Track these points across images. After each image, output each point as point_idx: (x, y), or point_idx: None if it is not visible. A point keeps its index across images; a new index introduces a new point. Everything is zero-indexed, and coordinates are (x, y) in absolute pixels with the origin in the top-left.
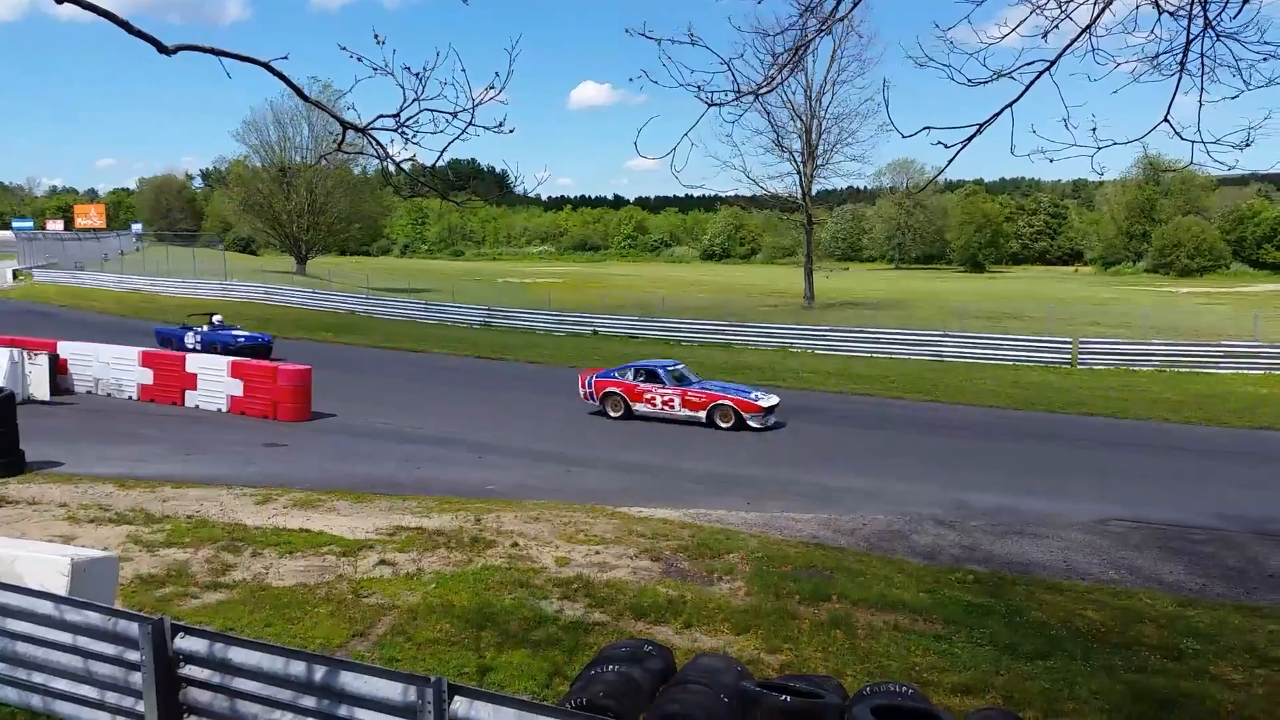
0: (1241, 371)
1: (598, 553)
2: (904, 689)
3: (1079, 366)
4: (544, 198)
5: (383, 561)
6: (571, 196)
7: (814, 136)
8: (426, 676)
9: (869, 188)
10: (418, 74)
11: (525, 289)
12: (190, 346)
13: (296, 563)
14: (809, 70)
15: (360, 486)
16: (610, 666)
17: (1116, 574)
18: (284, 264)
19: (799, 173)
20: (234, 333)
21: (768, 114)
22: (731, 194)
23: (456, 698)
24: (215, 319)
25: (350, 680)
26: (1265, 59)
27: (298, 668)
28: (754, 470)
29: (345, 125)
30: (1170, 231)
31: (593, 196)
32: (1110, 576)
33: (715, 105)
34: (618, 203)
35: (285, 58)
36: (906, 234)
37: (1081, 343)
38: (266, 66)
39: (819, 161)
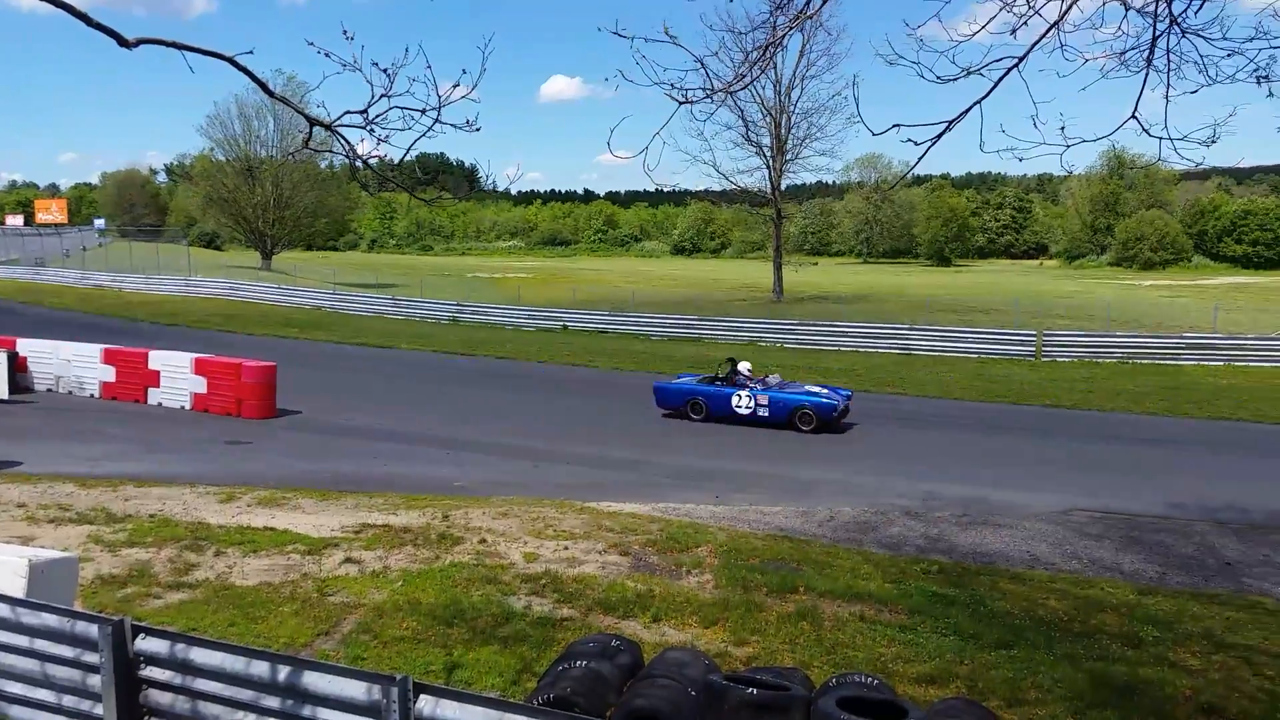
0: (1202, 363)
1: (566, 548)
2: (869, 680)
3: (1044, 359)
4: (514, 192)
5: (348, 559)
6: (541, 191)
7: (783, 131)
8: (391, 675)
9: (838, 183)
10: (386, 70)
11: (494, 284)
12: (746, 410)
13: (261, 561)
14: (779, 65)
15: (326, 484)
16: (578, 662)
17: (1078, 563)
18: (249, 259)
19: (768, 167)
20: (808, 391)
21: (739, 110)
22: (702, 189)
23: (422, 696)
24: (743, 368)
25: (314, 680)
26: (1228, 55)
27: (260, 668)
28: (724, 464)
29: (312, 121)
30: (1134, 225)
31: (563, 191)
32: (1072, 566)
33: (688, 103)
34: (588, 197)
35: (250, 52)
36: (874, 228)
37: (1046, 335)
38: (230, 61)
39: (788, 156)
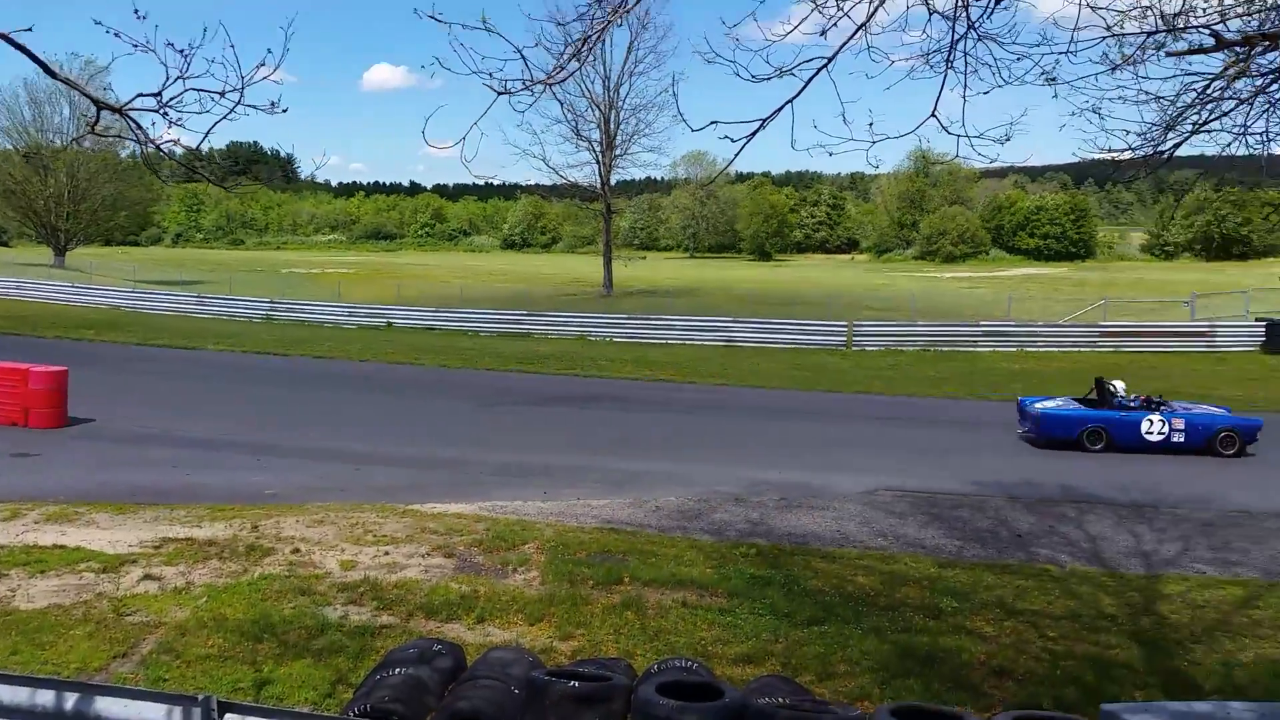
0: (997, 349)
1: (387, 553)
2: (689, 664)
3: (854, 348)
4: (334, 184)
5: (148, 576)
6: (364, 183)
7: (612, 127)
8: (194, 695)
9: (665, 179)
10: (182, 51)
11: (313, 280)
12: (1159, 437)
13: (49, 582)
14: (607, 61)
15: (123, 496)
16: (396, 669)
17: (884, 541)
18: (41, 256)
19: (598, 162)
20: (1213, 413)
21: (565, 103)
22: (532, 183)
23: (228, 715)
24: (1118, 386)
25: (107, 705)
26: (1018, 59)
27: (45, 697)
28: (551, 459)
29: (99, 105)
30: (937, 221)
31: (387, 183)
32: (879, 543)
33: (506, 94)
34: (414, 190)
35: (29, 29)
36: (700, 224)
37: (856, 326)
38: (5, 38)
39: (617, 151)
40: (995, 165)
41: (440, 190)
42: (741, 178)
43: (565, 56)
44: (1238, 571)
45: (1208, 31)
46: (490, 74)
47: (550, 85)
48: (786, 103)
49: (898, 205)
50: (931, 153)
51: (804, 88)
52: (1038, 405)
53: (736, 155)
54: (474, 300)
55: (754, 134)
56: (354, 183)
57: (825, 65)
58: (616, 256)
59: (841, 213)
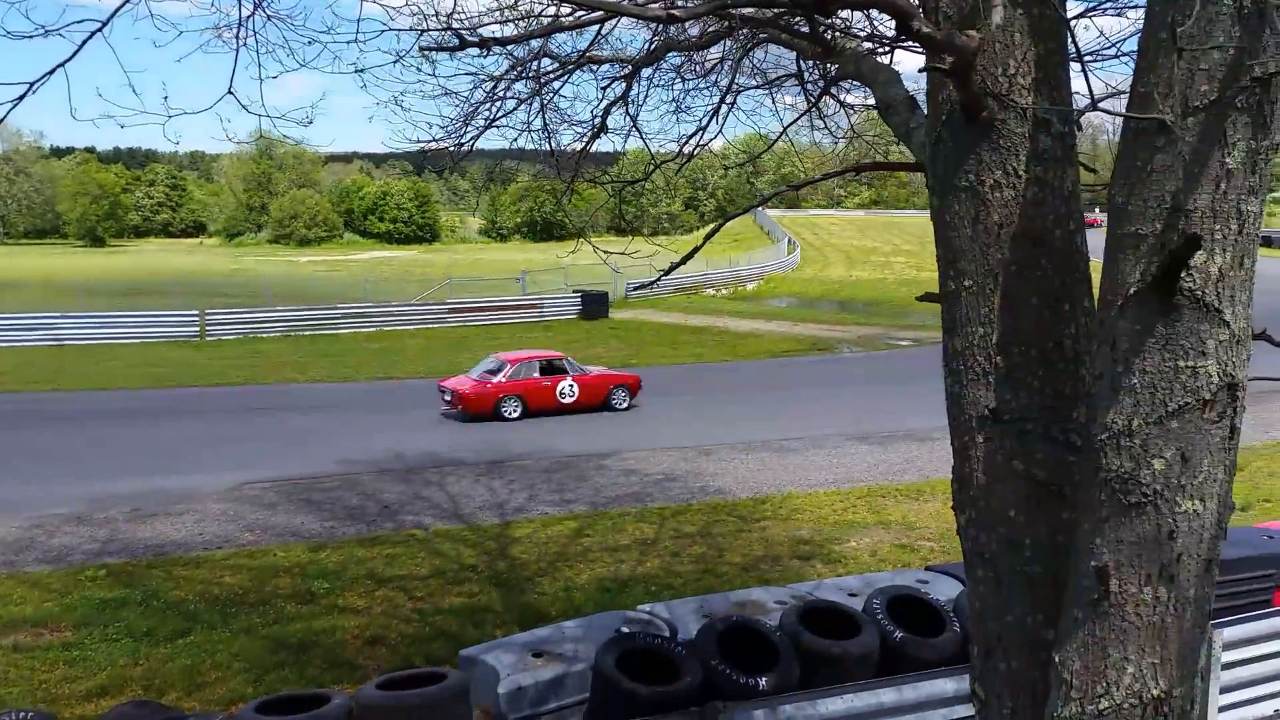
0: (358, 330)
1: None
2: (23, 714)
3: (209, 339)
4: None
5: None
6: None
7: None
8: None
9: None
10: None
11: None
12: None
13: None
14: None
15: None
16: None
17: (253, 535)
18: None
19: None
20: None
21: None
22: None
23: None
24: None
25: None
26: (309, 43)
27: None
28: None
29: None
30: (287, 204)
31: None
32: (247, 539)
33: None
34: None
35: None
36: (9, 205)
37: (209, 314)
38: None
39: None
40: (339, 150)
41: None
42: (59, 152)
43: None
44: (572, 508)
45: (472, 33)
46: None
47: None
48: (58, 66)
49: (244, 187)
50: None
51: (77, 51)
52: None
53: (3, 118)
54: None
55: (21, 98)
56: None
57: (100, 28)
58: None
59: (184, 194)
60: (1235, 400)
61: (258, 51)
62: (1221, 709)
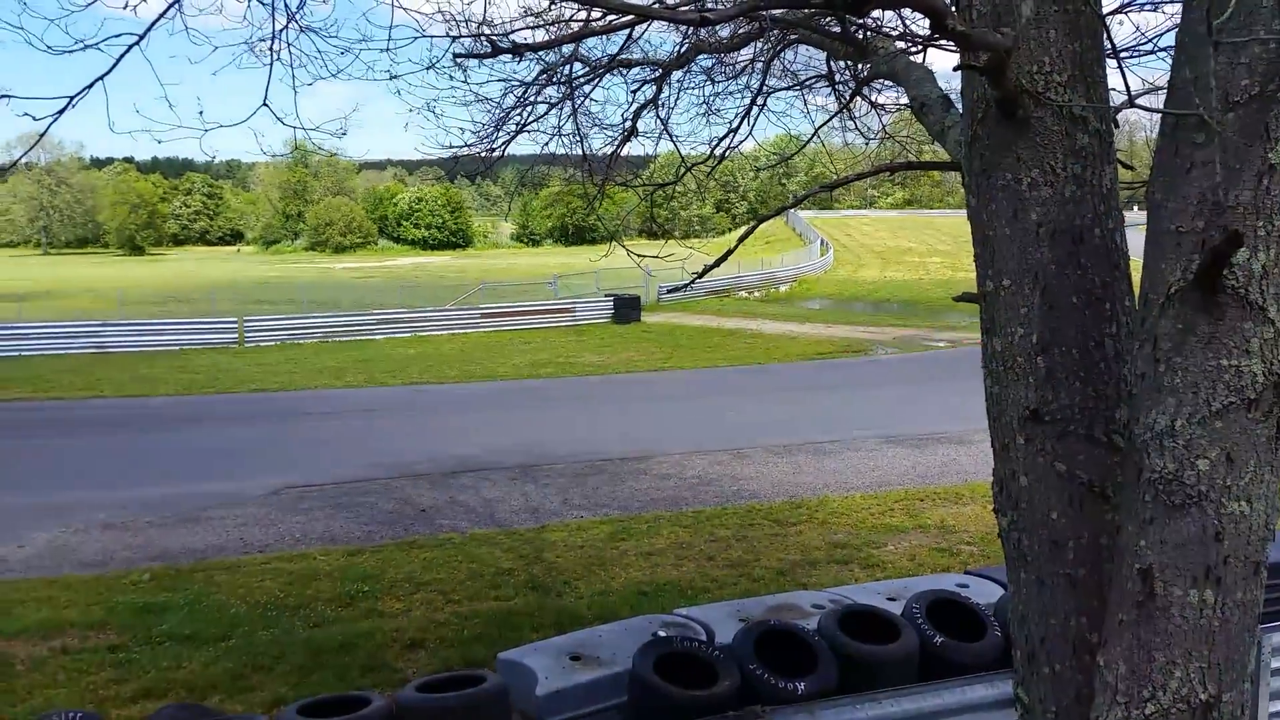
0: (392, 336)
1: None
2: (74, 715)
3: (247, 345)
4: None
5: None
6: None
7: None
8: None
9: None
10: None
11: None
12: None
13: None
14: None
15: None
16: None
17: (291, 539)
18: None
19: None
20: None
21: None
22: None
23: None
24: None
25: None
26: (342, 53)
27: None
28: None
29: None
30: (322, 211)
31: None
32: (285, 543)
33: None
34: None
35: None
36: (52, 215)
37: (247, 321)
38: None
39: None
40: (372, 157)
41: None
42: (99, 163)
43: None
44: (606, 512)
45: (505, 40)
46: None
47: None
48: (98, 79)
49: (280, 195)
50: (307, 143)
51: (115, 64)
52: None
53: (44, 134)
54: None
55: (62, 111)
56: None
57: (138, 41)
58: None
59: (221, 202)
60: None
61: (291, 64)
62: (1272, 715)
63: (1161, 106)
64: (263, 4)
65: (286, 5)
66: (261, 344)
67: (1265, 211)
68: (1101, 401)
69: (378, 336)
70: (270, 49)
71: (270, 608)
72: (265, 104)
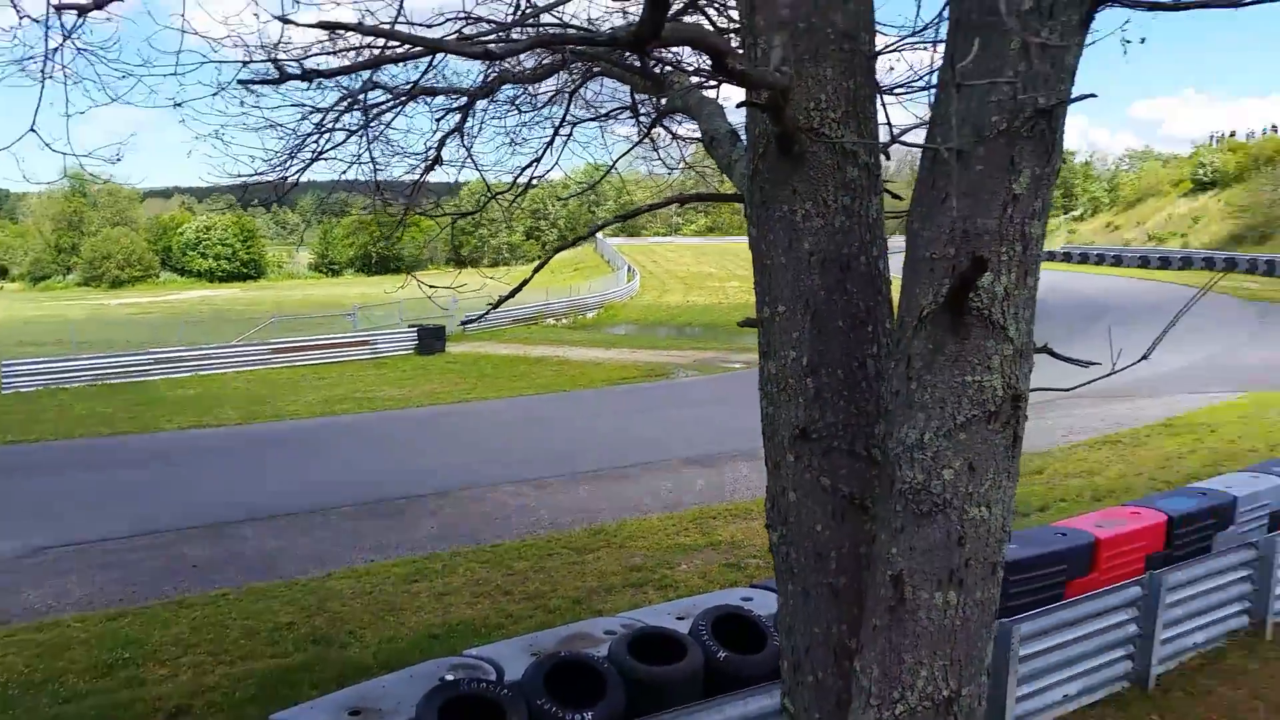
0: (170, 376)
1: None
2: None
3: (5, 391)
4: None
5: None
6: None
7: None
8: None
9: None
10: None
11: None
12: None
13: None
14: None
15: None
16: None
17: (44, 605)
18: None
19: None
20: None
21: None
22: None
23: None
24: None
25: None
26: (124, 76)
27: None
28: None
29: None
30: (100, 243)
31: None
32: (37, 610)
33: None
34: None
35: None
36: None
37: (5, 365)
38: None
39: None
40: (158, 185)
41: None
42: None
43: None
44: (399, 553)
45: (295, 65)
46: None
47: None
48: None
49: (53, 227)
50: (85, 172)
51: None
52: None
53: None
54: None
55: None
56: None
57: None
58: None
59: None
60: (1018, 411)
61: (65, 85)
62: (1019, 699)
63: (923, 142)
64: (35, 21)
65: (62, 24)
66: (22, 389)
67: (1009, 238)
68: (863, 418)
69: (155, 378)
70: (43, 70)
71: (12, 685)
72: (33, 129)
